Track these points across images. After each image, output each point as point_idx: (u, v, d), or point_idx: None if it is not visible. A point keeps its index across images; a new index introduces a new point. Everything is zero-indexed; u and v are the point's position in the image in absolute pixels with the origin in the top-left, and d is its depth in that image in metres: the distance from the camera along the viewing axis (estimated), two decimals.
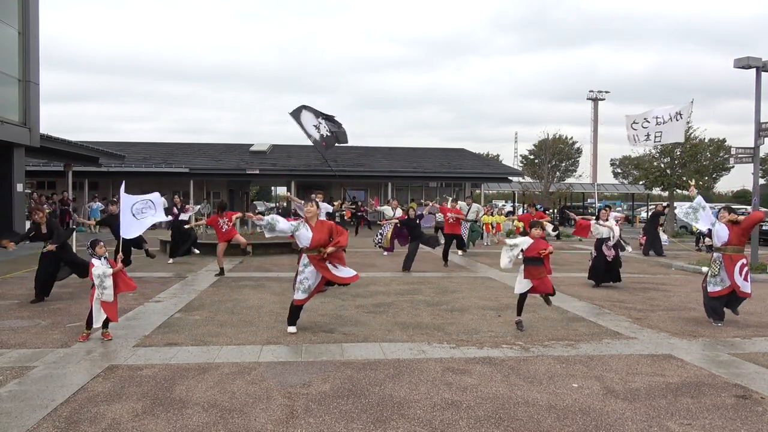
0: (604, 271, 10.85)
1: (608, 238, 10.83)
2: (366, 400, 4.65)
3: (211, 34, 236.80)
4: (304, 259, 6.84)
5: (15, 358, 5.65)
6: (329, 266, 6.79)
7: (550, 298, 7.42)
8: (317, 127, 15.86)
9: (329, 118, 16.17)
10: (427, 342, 6.50)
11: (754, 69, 13.12)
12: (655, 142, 14.60)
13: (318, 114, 15.90)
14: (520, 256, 7.25)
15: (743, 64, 13.02)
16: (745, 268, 7.65)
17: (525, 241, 7.20)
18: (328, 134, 16.00)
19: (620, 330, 7.28)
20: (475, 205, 17.85)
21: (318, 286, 6.94)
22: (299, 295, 6.81)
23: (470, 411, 4.46)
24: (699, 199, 7.95)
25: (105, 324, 6.39)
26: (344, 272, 6.88)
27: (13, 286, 9.95)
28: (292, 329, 6.91)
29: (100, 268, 6.29)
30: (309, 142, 16.53)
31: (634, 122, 14.49)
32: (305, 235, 6.71)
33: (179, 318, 7.61)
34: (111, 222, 10.89)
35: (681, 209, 8.16)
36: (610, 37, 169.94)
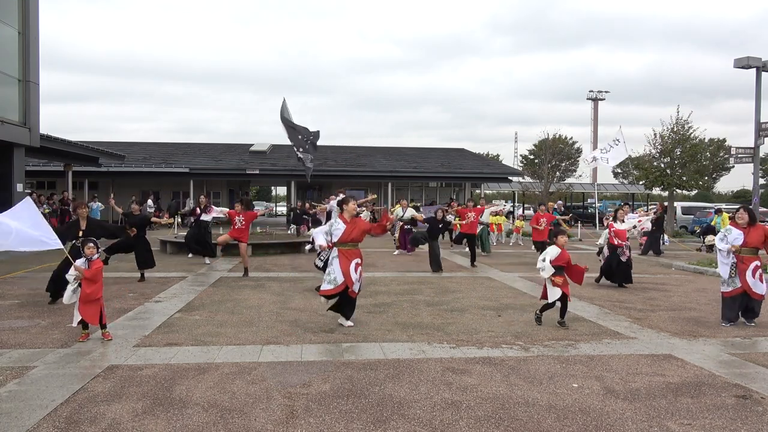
0: (617, 270, 10.86)
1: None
2: (366, 400, 4.65)
3: (210, 36, 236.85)
4: (334, 251, 7.15)
5: (15, 358, 5.65)
6: (352, 271, 7.04)
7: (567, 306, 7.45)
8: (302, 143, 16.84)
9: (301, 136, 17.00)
10: (427, 342, 6.50)
11: (754, 69, 13.13)
12: (603, 163, 18.59)
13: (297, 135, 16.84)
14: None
15: (743, 64, 13.03)
16: (759, 270, 7.62)
17: (553, 252, 7.32)
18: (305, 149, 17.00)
19: (620, 330, 7.28)
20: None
21: (342, 285, 7.08)
22: (325, 286, 7.08)
23: (470, 411, 4.46)
24: (719, 244, 7.89)
25: (104, 324, 6.39)
26: (358, 286, 7.23)
27: (13, 286, 9.95)
28: (344, 321, 7.18)
29: (71, 273, 6.26)
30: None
31: (593, 158, 18.68)
32: (338, 229, 7.09)
33: (179, 318, 7.61)
34: (131, 221, 10.82)
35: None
36: (607, 39, 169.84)
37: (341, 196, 12.82)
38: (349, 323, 7.19)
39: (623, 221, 11.12)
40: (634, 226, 11.32)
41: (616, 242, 10.88)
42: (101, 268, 6.45)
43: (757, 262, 7.62)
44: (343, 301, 7.22)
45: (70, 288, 6.24)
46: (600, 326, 7.49)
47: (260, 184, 58.80)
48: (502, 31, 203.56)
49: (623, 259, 10.80)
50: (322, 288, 7.18)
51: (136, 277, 10.88)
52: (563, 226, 14.88)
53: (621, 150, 21.64)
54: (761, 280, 7.60)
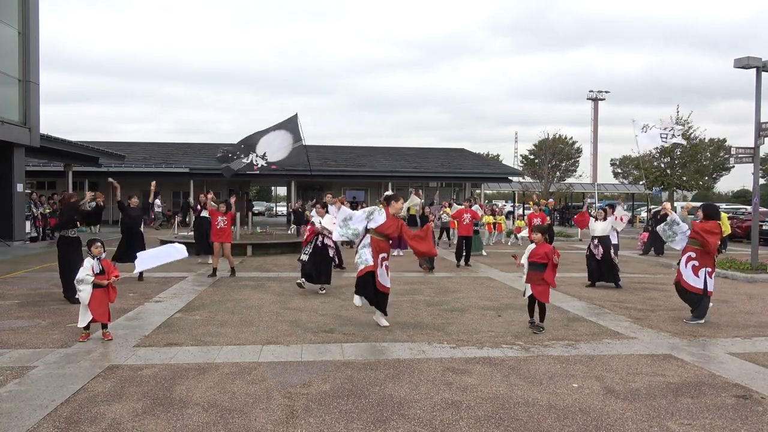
0: (597, 270, 10.82)
1: (599, 237, 10.80)
2: (366, 400, 4.65)
3: (210, 37, 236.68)
4: (366, 239, 7.17)
5: (15, 358, 5.65)
6: (379, 269, 7.07)
7: (545, 309, 7.24)
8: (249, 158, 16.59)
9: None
10: (427, 342, 6.50)
11: (754, 69, 13.11)
12: (662, 141, 14.98)
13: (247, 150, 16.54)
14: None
15: (743, 64, 13.01)
16: (691, 262, 7.85)
17: (528, 248, 7.24)
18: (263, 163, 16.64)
19: (620, 330, 7.28)
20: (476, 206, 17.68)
21: (374, 264, 7.08)
22: (360, 267, 7.12)
23: (470, 411, 4.46)
24: (674, 215, 8.25)
25: (104, 324, 6.39)
26: (386, 280, 7.21)
27: (13, 286, 9.95)
28: (357, 301, 7.17)
29: (84, 271, 6.28)
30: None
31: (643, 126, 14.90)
32: (379, 218, 7.12)
33: (179, 318, 7.61)
34: (128, 213, 10.95)
35: (660, 227, 8.51)
36: (606, 39, 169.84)
37: (329, 198, 12.78)
38: (385, 323, 7.19)
39: (605, 219, 11.03)
40: (612, 227, 11.23)
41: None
42: (112, 264, 6.59)
43: (691, 254, 7.89)
44: (379, 298, 7.18)
45: (87, 287, 6.23)
46: (600, 326, 7.49)
47: (260, 184, 58.80)
48: (501, 32, 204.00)
49: (597, 257, 10.74)
50: (358, 270, 7.15)
51: (136, 277, 10.88)
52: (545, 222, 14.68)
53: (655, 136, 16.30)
54: (694, 273, 7.81)
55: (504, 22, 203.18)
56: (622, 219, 11.73)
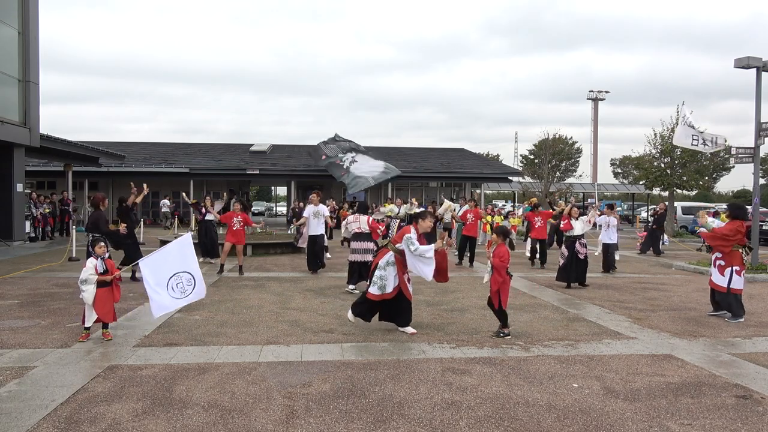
0: (575, 270, 10.66)
1: (581, 236, 10.78)
2: (366, 400, 4.65)
3: (209, 37, 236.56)
4: (390, 257, 6.85)
5: (15, 358, 5.65)
6: (406, 280, 6.92)
7: (497, 313, 6.87)
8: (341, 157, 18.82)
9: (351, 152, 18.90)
10: (427, 342, 6.50)
11: (754, 69, 13.11)
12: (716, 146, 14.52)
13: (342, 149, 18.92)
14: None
15: (743, 64, 13.01)
16: (719, 262, 8.18)
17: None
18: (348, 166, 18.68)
19: (620, 330, 7.28)
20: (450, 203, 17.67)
21: (392, 292, 6.81)
22: (374, 290, 6.82)
23: (470, 411, 4.46)
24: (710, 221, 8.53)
25: (104, 324, 6.39)
26: (410, 288, 7.04)
27: (13, 286, 9.95)
28: (351, 317, 6.98)
29: (87, 271, 6.28)
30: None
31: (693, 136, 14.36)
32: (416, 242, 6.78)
33: (179, 318, 7.61)
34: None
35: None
36: (602, 40, 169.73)
37: (315, 196, 12.72)
38: (412, 330, 6.88)
39: (576, 218, 10.97)
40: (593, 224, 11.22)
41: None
42: (114, 265, 6.63)
43: (717, 254, 8.23)
44: (397, 309, 6.90)
45: (90, 287, 6.22)
46: (600, 326, 7.49)
47: (260, 184, 58.79)
48: (498, 33, 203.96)
49: (581, 257, 10.62)
50: (369, 291, 6.84)
51: (137, 277, 10.87)
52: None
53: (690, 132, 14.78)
54: (720, 272, 8.14)
55: (501, 23, 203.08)
56: (590, 221, 11.70)
